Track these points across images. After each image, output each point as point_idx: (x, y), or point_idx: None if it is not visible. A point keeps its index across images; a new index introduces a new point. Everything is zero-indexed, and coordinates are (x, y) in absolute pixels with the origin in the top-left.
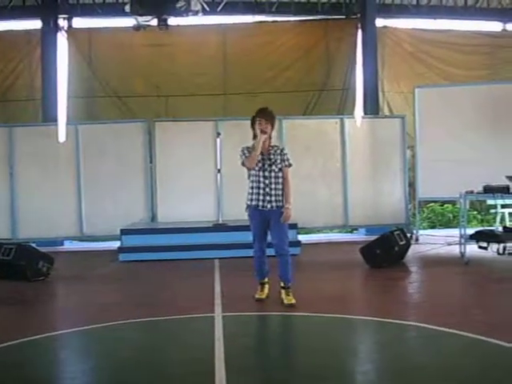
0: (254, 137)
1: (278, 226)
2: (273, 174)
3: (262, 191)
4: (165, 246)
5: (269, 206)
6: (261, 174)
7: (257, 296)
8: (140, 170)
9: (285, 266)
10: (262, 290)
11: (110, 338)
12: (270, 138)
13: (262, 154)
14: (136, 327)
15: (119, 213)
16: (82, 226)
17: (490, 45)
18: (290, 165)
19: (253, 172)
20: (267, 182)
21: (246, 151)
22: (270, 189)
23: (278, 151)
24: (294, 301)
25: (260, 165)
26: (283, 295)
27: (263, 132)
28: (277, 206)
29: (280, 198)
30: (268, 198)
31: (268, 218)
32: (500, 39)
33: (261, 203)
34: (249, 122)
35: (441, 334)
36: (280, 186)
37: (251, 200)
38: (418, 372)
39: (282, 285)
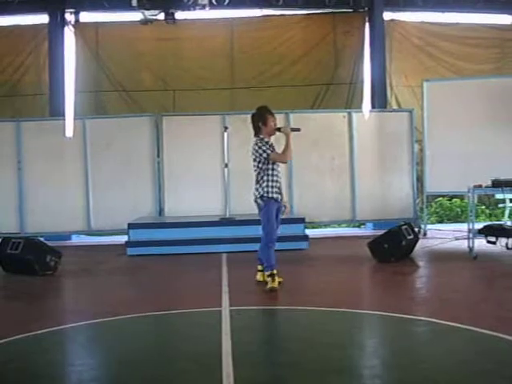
0: (277, 130)
1: (279, 217)
2: (279, 169)
3: (277, 184)
4: (172, 240)
5: (280, 198)
6: (275, 168)
7: (271, 286)
8: (147, 165)
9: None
10: (274, 279)
11: (118, 332)
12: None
13: (274, 149)
14: (143, 321)
15: (127, 207)
16: (90, 220)
17: (498, 38)
18: None
19: (271, 166)
20: (279, 176)
21: (269, 147)
22: (280, 183)
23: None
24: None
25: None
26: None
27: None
28: (281, 198)
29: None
30: (279, 190)
31: (277, 210)
32: (509, 32)
33: (276, 195)
34: None
35: (449, 329)
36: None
37: (272, 193)
38: (426, 366)
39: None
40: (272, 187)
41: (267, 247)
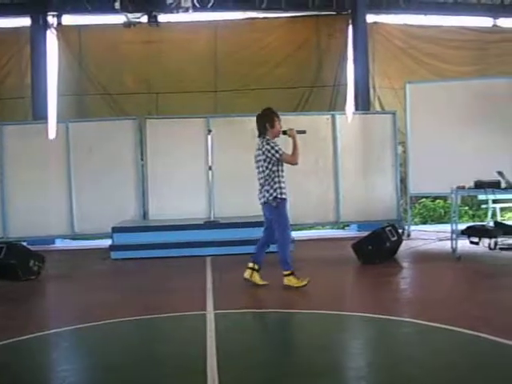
0: (283, 133)
1: None
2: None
3: (285, 185)
4: (156, 244)
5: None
6: (283, 169)
7: (303, 283)
8: (131, 168)
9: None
10: (297, 276)
11: (102, 337)
12: None
13: None
14: (127, 325)
15: (110, 211)
16: (74, 224)
17: (480, 40)
18: None
19: (281, 167)
20: (284, 176)
21: (280, 148)
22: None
23: None
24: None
25: (281, 162)
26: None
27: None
28: None
29: None
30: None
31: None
32: (490, 35)
33: (286, 196)
34: (240, 119)
35: (432, 329)
36: None
37: (285, 194)
38: (409, 367)
39: (254, 263)
40: (284, 188)
41: (286, 247)
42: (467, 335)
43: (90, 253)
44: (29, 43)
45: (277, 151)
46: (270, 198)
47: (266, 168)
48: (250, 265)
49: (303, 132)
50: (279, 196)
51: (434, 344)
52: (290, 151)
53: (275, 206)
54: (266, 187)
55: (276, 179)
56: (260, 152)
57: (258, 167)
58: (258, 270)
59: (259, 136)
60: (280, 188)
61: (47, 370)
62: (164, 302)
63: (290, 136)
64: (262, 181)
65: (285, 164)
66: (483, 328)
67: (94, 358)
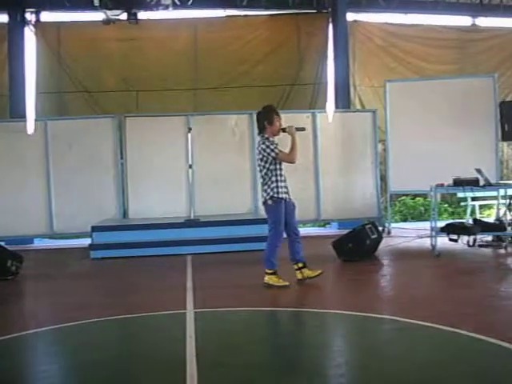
0: (282, 130)
1: (293, 215)
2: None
3: (286, 184)
4: (136, 243)
5: (289, 197)
6: (283, 168)
7: (284, 284)
8: (111, 166)
9: (301, 247)
10: (279, 276)
11: (81, 337)
12: None
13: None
14: (107, 325)
15: (90, 209)
16: (52, 223)
17: (459, 39)
18: None
19: (279, 166)
20: (285, 175)
21: (276, 146)
22: (286, 182)
23: None
24: (320, 270)
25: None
26: (308, 272)
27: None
28: (290, 198)
29: None
30: (288, 190)
31: (290, 208)
32: (469, 33)
33: (285, 196)
34: (220, 117)
35: (412, 327)
36: None
37: (282, 193)
38: (389, 364)
39: (302, 265)
40: (281, 187)
41: (274, 247)
42: (446, 332)
43: (69, 252)
44: (6, 40)
45: (272, 150)
46: (268, 197)
47: (264, 167)
48: (295, 267)
49: (302, 129)
50: (275, 195)
51: (413, 341)
52: (289, 149)
53: (273, 205)
54: (265, 186)
55: (273, 178)
56: (257, 151)
57: (258, 166)
58: (304, 266)
59: (259, 134)
60: (277, 187)
61: (26, 371)
62: (144, 301)
63: (289, 134)
64: (261, 180)
65: (291, 164)
66: (462, 325)
67: (72, 358)
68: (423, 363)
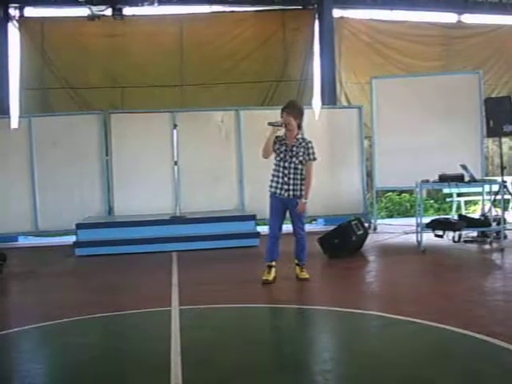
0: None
1: (295, 214)
2: (292, 166)
3: (280, 180)
4: (122, 240)
5: (286, 194)
6: (281, 164)
7: (263, 277)
8: (96, 163)
9: (301, 247)
10: (269, 272)
11: (64, 336)
12: (296, 130)
13: (286, 145)
14: (91, 323)
15: (75, 207)
16: (37, 220)
17: (445, 36)
18: (314, 159)
19: (275, 161)
20: (286, 172)
21: (276, 140)
22: (289, 178)
23: (303, 144)
24: (307, 275)
25: (282, 155)
26: (298, 271)
27: (283, 125)
28: (294, 195)
29: (298, 188)
30: (286, 187)
31: (286, 205)
32: (455, 30)
33: (278, 191)
34: (206, 113)
35: (398, 322)
36: (299, 177)
37: (271, 187)
38: (374, 360)
39: (297, 262)
40: (272, 181)
41: (268, 239)
42: (432, 327)
43: (53, 250)
44: None
45: None
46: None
47: None
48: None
49: (275, 124)
50: (269, 189)
51: (399, 337)
52: None
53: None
54: None
55: (271, 172)
56: None
57: None
58: (297, 264)
59: None
60: (270, 181)
61: (8, 370)
62: (129, 298)
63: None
64: None
65: (271, 158)
66: (447, 320)
67: (56, 357)
68: (409, 359)
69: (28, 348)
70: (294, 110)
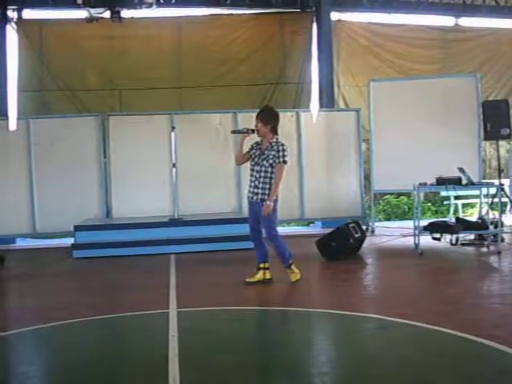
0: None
1: (262, 218)
2: (262, 169)
3: (252, 184)
4: (120, 242)
5: (254, 198)
6: (254, 168)
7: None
8: (94, 165)
9: (277, 250)
10: (255, 273)
11: (62, 337)
12: (270, 134)
13: (260, 149)
14: (89, 325)
15: (73, 209)
16: (35, 222)
17: (442, 39)
18: (283, 161)
19: (250, 166)
20: (257, 175)
21: (253, 146)
22: (259, 182)
23: (275, 147)
24: (295, 278)
25: (256, 160)
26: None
27: (250, 130)
28: (261, 199)
29: (266, 192)
30: (255, 190)
31: (256, 209)
32: (452, 33)
33: (250, 195)
34: (204, 116)
35: (395, 325)
36: (268, 181)
37: (247, 192)
38: (370, 363)
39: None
40: (248, 186)
41: None
42: (429, 330)
43: (51, 252)
44: None
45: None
46: None
47: None
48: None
49: (238, 131)
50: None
51: (395, 339)
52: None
53: None
54: None
55: None
56: None
57: None
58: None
59: None
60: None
61: (6, 372)
62: (127, 300)
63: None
64: None
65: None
66: (444, 323)
67: (54, 359)
68: (407, 361)
69: (26, 350)
70: (263, 115)
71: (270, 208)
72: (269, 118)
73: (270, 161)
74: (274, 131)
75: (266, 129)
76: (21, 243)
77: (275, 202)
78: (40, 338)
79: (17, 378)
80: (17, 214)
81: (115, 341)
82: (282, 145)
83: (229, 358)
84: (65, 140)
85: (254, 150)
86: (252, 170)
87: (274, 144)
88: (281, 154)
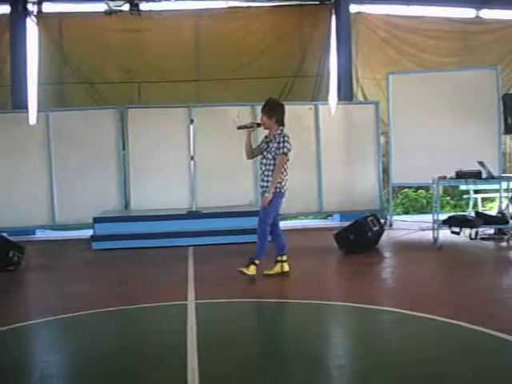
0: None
1: (260, 209)
2: (267, 162)
3: (260, 177)
4: (138, 234)
5: (261, 190)
6: (261, 161)
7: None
8: (112, 158)
9: (257, 245)
10: (273, 266)
11: (82, 328)
12: (275, 126)
13: (267, 142)
14: (107, 316)
15: (92, 201)
16: (54, 214)
17: (462, 31)
18: (283, 153)
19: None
20: (264, 168)
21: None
22: (265, 175)
23: (278, 139)
24: (246, 272)
25: (264, 153)
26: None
27: (255, 124)
28: (264, 191)
29: (269, 184)
30: (262, 183)
31: None
32: (473, 26)
33: (260, 189)
34: (222, 108)
35: (412, 318)
36: (270, 173)
37: None
38: (388, 356)
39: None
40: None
41: None
42: (447, 324)
43: (70, 243)
44: (8, 31)
45: None
46: None
47: None
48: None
49: (243, 127)
50: None
51: (413, 333)
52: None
53: None
54: None
55: None
56: None
57: None
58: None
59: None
60: None
61: (27, 361)
62: (145, 292)
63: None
64: None
65: (258, 157)
66: (463, 317)
67: (73, 349)
68: (424, 355)
69: (46, 339)
70: (267, 108)
71: (267, 200)
72: (273, 110)
73: (273, 153)
74: (280, 123)
75: (270, 121)
76: (40, 235)
77: (278, 195)
78: (60, 328)
79: (39, 366)
80: (36, 206)
81: (134, 332)
82: (284, 136)
83: (247, 350)
84: (84, 133)
85: (263, 144)
86: (261, 163)
87: (277, 136)
88: (281, 145)
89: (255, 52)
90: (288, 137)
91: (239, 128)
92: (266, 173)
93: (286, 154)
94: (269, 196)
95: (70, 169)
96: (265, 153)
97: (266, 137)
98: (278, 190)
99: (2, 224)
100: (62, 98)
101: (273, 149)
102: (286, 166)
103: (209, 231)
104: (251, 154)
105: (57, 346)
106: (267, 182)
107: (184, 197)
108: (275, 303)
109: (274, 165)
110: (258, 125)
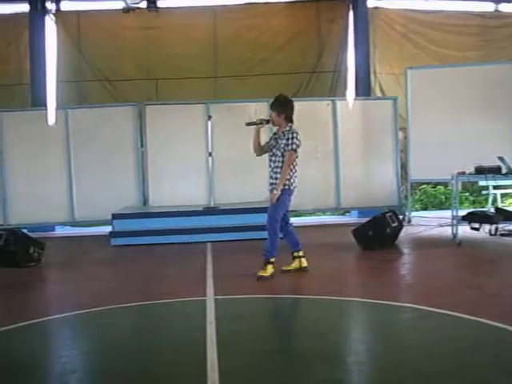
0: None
1: (269, 206)
2: (276, 159)
3: (269, 174)
4: (156, 230)
5: (270, 187)
6: (270, 158)
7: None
8: (131, 154)
9: (267, 242)
10: (290, 262)
11: (102, 323)
12: (283, 123)
13: (276, 139)
14: (127, 312)
15: (111, 197)
16: (74, 211)
17: (482, 25)
18: (291, 149)
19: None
20: (272, 165)
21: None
22: (274, 172)
23: (287, 135)
24: (264, 274)
25: (272, 150)
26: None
27: (264, 121)
28: (273, 189)
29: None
30: (271, 180)
31: None
32: (492, 20)
33: (269, 186)
34: (239, 105)
35: (433, 315)
36: (279, 170)
37: None
38: (408, 353)
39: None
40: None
41: None
42: (467, 320)
43: (90, 239)
44: (27, 29)
45: None
46: None
47: None
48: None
49: (252, 123)
50: None
51: (433, 329)
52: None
53: None
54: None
55: None
56: None
57: None
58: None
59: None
60: None
61: (48, 356)
62: (164, 288)
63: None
64: None
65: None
66: (483, 313)
67: (93, 345)
68: (443, 351)
69: (67, 334)
70: (276, 105)
71: (275, 197)
72: (282, 107)
73: (282, 150)
74: (289, 120)
75: (279, 118)
76: (60, 231)
77: (286, 192)
78: (80, 324)
79: (60, 361)
80: (56, 203)
81: (155, 328)
82: (293, 132)
83: (266, 346)
84: (102, 129)
85: (271, 141)
86: (269, 160)
87: (286, 132)
88: (290, 141)
89: (273, 48)
90: (297, 133)
91: (248, 124)
92: (274, 170)
93: (294, 151)
94: (277, 193)
95: (89, 165)
96: (274, 149)
97: (274, 133)
98: (286, 186)
99: (22, 220)
100: (80, 96)
101: (282, 145)
102: (294, 163)
103: (227, 227)
104: (260, 150)
105: (78, 341)
106: (276, 178)
107: (202, 193)
108: (293, 299)
109: (283, 162)
110: (267, 121)
